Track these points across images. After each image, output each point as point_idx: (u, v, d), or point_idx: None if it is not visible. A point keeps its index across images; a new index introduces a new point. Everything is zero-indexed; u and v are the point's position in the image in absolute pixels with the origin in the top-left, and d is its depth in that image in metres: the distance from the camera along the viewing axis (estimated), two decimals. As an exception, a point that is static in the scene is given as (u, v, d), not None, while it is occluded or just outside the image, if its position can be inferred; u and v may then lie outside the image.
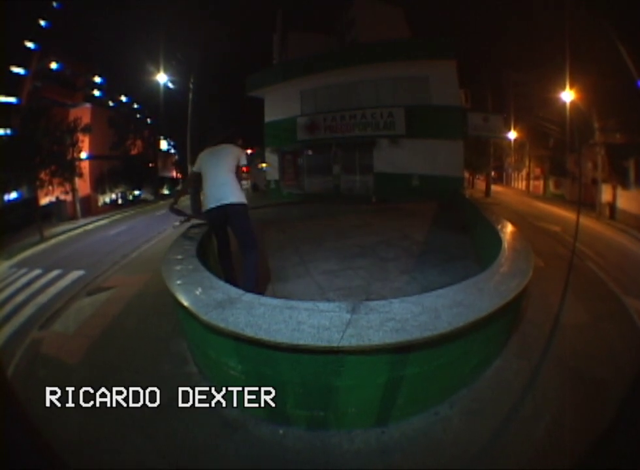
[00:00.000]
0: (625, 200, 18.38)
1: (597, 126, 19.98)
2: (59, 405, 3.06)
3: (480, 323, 2.55)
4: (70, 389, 3.39)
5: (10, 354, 4.44)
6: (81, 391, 3.31)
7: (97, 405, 3.05)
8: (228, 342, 2.52)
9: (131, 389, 3.22)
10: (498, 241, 4.58)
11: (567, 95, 19.40)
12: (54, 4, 29.56)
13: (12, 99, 24.24)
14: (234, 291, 2.96)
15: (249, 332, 2.34)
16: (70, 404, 3.13)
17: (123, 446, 2.55)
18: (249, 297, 2.81)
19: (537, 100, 26.63)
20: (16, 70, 25.64)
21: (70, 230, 19.28)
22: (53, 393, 3.33)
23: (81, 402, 3.12)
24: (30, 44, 26.79)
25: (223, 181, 4.49)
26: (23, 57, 25.97)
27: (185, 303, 2.80)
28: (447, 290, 2.91)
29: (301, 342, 2.23)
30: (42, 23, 28.13)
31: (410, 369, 2.44)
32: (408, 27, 27.54)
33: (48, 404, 3.03)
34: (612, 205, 19.08)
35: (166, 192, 37.80)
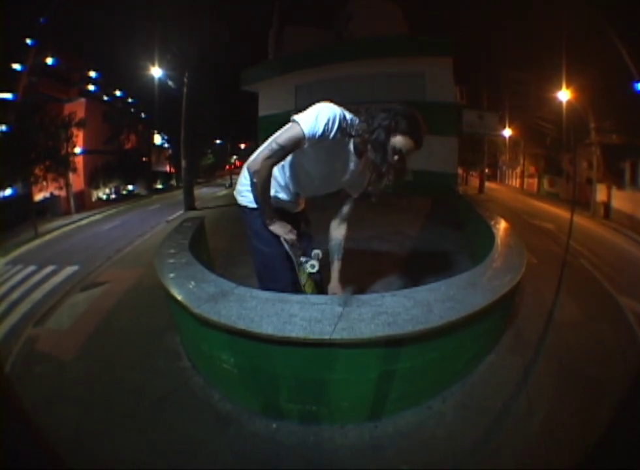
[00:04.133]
0: (619, 200, 18.45)
1: (593, 126, 20.03)
2: (54, 400, 3.08)
3: (473, 317, 2.55)
4: (65, 384, 3.40)
5: (6, 352, 4.42)
6: (76, 387, 3.32)
7: (92, 400, 3.06)
8: (221, 335, 2.52)
9: (125, 384, 3.24)
10: (491, 237, 4.59)
11: (564, 95, 19.42)
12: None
13: (7, 95, 24.09)
14: (226, 284, 2.95)
15: (241, 325, 2.34)
16: (65, 400, 3.14)
17: (118, 442, 2.55)
18: (241, 290, 2.80)
19: (534, 99, 26.67)
20: (13, 65, 25.49)
21: (64, 225, 19.22)
22: (48, 389, 3.35)
23: (76, 398, 3.13)
24: (27, 40, 26.63)
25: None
26: (21, 53, 25.81)
27: (178, 297, 2.79)
28: (439, 285, 2.92)
29: (292, 335, 2.24)
30: (40, 19, 27.94)
31: (402, 363, 2.45)
32: (406, 24, 27.53)
33: (43, 400, 3.04)
34: (606, 205, 19.14)
35: (159, 186, 37.67)
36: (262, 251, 2.83)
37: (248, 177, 2.66)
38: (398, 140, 2.36)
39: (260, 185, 2.48)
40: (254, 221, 2.78)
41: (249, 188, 2.69)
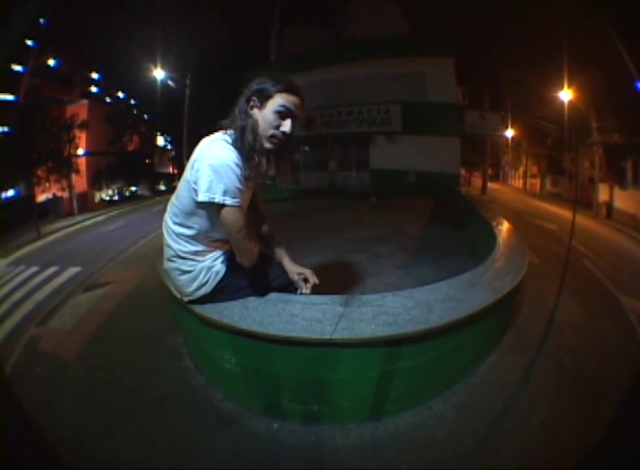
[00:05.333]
0: (622, 200, 18.42)
1: (595, 126, 20.01)
2: (56, 401, 3.08)
3: (474, 318, 2.56)
4: (67, 385, 3.41)
5: (8, 352, 4.44)
6: (78, 387, 3.33)
7: (93, 400, 3.07)
8: (223, 335, 2.54)
9: (127, 384, 3.25)
10: (493, 237, 4.60)
11: (566, 94, 19.43)
12: (54, -1, 29.28)
13: (9, 96, 24.11)
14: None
15: (243, 325, 2.36)
16: (67, 400, 3.15)
17: (119, 442, 2.56)
18: (243, 290, 2.81)
19: (535, 99, 26.65)
20: (14, 67, 25.51)
21: (66, 226, 19.25)
22: (50, 389, 3.36)
23: (77, 398, 3.14)
24: (29, 41, 26.66)
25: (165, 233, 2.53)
26: (22, 54, 25.83)
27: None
28: (439, 285, 2.93)
29: (294, 334, 2.25)
30: (41, 20, 27.95)
31: (403, 363, 2.45)
32: (407, 24, 27.52)
33: (44, 400, 3.05)
34: (609, 205, 19.11)
35: (162, 188, 37.68)
36: (255, 291, 2.74)
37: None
38: (275, 102, 2.24)
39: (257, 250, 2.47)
40: (233, 284, 2.63)
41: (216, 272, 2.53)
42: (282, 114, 2.25)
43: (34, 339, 4.76)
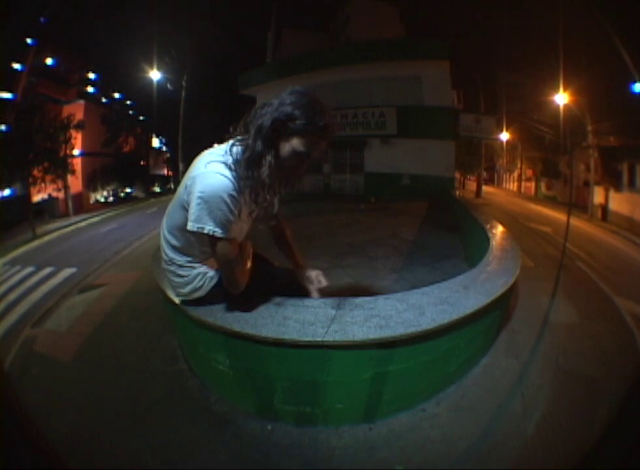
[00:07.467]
0: (617, 202, 18.55)
1: (590, 129, 20.09)
2: (51, 401, 3.09)
3: (466, 320, 2.58)
4: (62, 386, 3.42)
5: (5, 352, 4.44)
6: (73, 388, 3.34)
7: (89, 402, 3.07)
8: (217, 337, 2.55)
9: (123, 386, 3.25)
10: (486, 240, 4.62)
11: (561, 98, 19.49)
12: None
13: (7, 95, 24.00)
14: (222, 287, 2.97)
15: (237, 327, 2.37)
16: (62, 401, 3.16)
17: (116, 443, 2.56)
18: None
19: (531, 102, 26.78)
20: (13, 65, 25.41)
21: (62, 227, 19.23)
22: (46, 390, 3.36)
23: (73, 399, 3.15)
24: (28, 40, 26.56)
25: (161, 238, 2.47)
26: (21, 53, 25.72)
27: (175, 299, 2.80)
28: (432, 288, 2.94)
29: (286, 337, 2.26)
30: (41, 18, 27.86)
31: (395, 366, 2.47)
32: (402, 26, 27.58)
33: (42, 401, 3.05)
34: (604, 207, 19.21)
35: (157, 189, 37.64)
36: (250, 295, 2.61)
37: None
38: (303, 142, 2.01)
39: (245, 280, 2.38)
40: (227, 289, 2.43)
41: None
42: (304, 158, 2.09)
43: (31, 340, 4.76)
